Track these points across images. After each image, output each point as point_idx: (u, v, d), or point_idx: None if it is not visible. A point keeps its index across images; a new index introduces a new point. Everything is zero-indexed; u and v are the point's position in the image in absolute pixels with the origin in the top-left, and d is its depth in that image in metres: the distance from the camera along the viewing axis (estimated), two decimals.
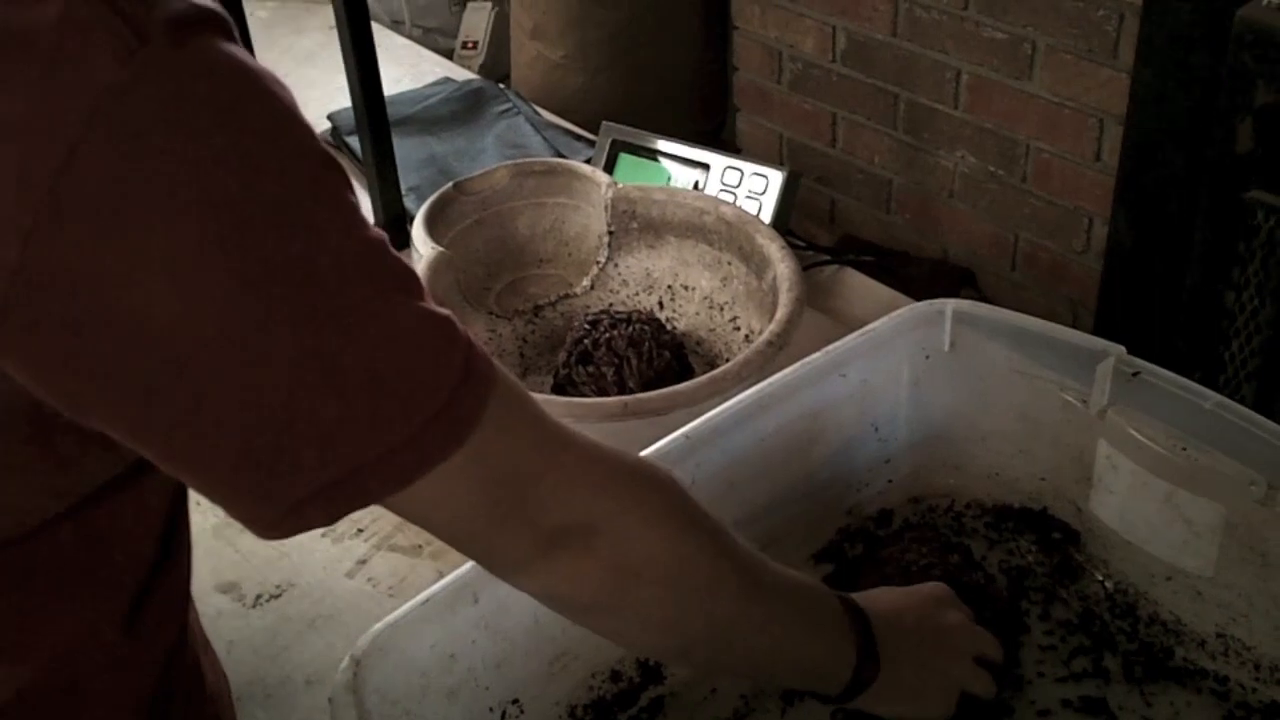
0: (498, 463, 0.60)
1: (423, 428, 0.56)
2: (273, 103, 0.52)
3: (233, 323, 0.50)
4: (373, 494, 0.56)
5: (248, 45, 1.38)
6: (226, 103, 0.50)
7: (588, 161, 1.39)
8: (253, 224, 0.50)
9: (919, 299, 1.02)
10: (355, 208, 0.55)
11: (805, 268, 1.27)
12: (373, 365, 0.54)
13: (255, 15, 1.91)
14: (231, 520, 1.13)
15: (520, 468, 0.61)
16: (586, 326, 1.15)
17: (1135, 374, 0.90)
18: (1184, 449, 0.87)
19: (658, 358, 1.13)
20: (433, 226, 1.19)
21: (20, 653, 0.63)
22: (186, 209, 0.49)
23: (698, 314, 1.24)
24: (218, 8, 0.51)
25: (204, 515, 1.08)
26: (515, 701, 0.84)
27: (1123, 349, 0.92)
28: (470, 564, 0.79)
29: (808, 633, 0.77)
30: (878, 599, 0.83)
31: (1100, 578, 0.96)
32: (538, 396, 1.04)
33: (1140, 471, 0.90)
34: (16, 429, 0.55)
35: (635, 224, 1.24)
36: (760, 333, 1.07)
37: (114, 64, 0.47)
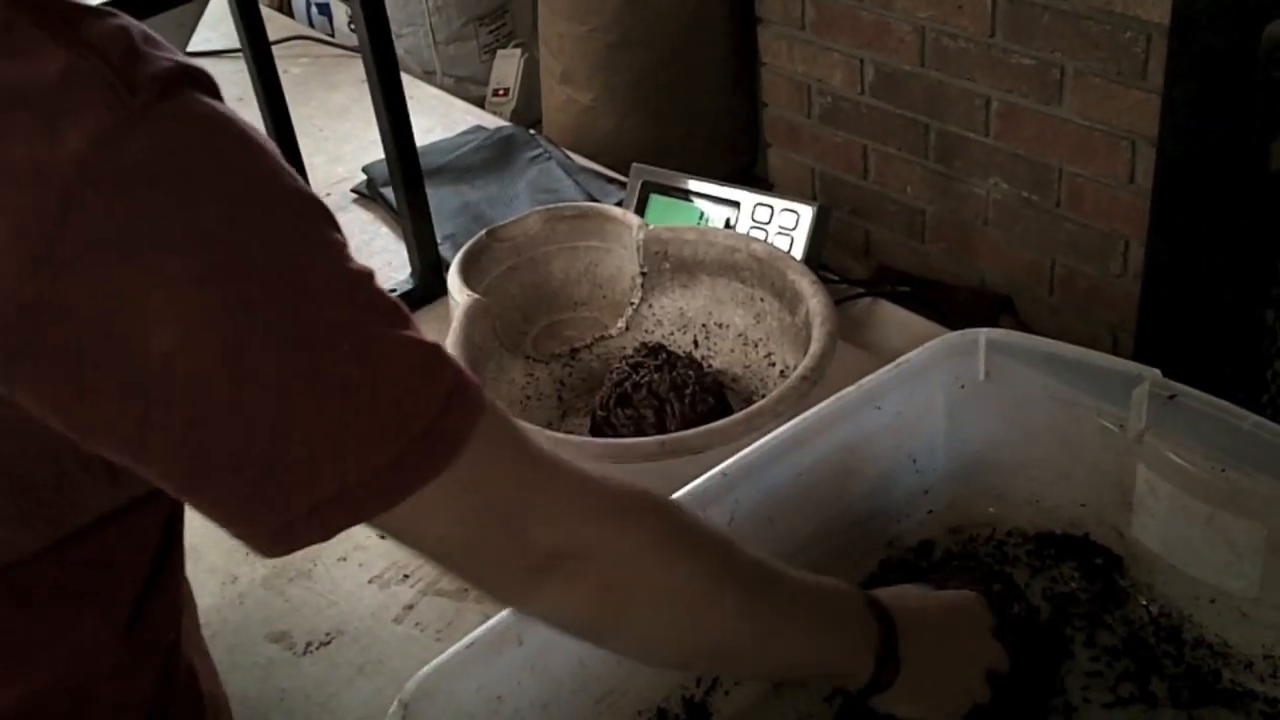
0: (485, 488, 0.61)
1: (409, 447, 0.57)
2: (255, 148, 0.56)
3: (222, 348, 0.53)
4: (363, 511, 0.58)
5: (280, 101, 1.41)
6: (211, 147, 0.54)
7: (619, 204, 1.41)
8: (240, 257, 0.54)
9: (957, 328, 1.02)
10: (341, 244, 0.58)
11: (839, 301, 1.28)
12: (359, 386, 0.56)
13: (289, 72, 1.95)
14: (281, 570, 1.14)
15: (508, 494, 0.63)
16: (626, 370, 1.16)
17: (1171, 397, 0.90)
18: (1223, 470, 0.87)
19: (701, 402, 1.13)
20: (468, 274, 1.21)
21: (23, 662, 0.67)
22: (176, 245, 0.52)
23: (732, 351, 1.24)
24: (201, 68, 0.55)
25: (253, 567, 1.10)
26: None
27: (1158, 372, 0.91)
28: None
29: (820, 641, 0.78)
30: (907, 597, 0.84)
31: (1144, 602, 0.96)
32: (574, 438, 1.06)
33: (1180, 494, 0.90)
34: (32, 462, 0.59)
35: (668, 264, 1.25)
36: (795, 368, 1.08)
37: (107, 114, 0.51)
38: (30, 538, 0.63)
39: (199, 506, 0.58)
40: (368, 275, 0.59)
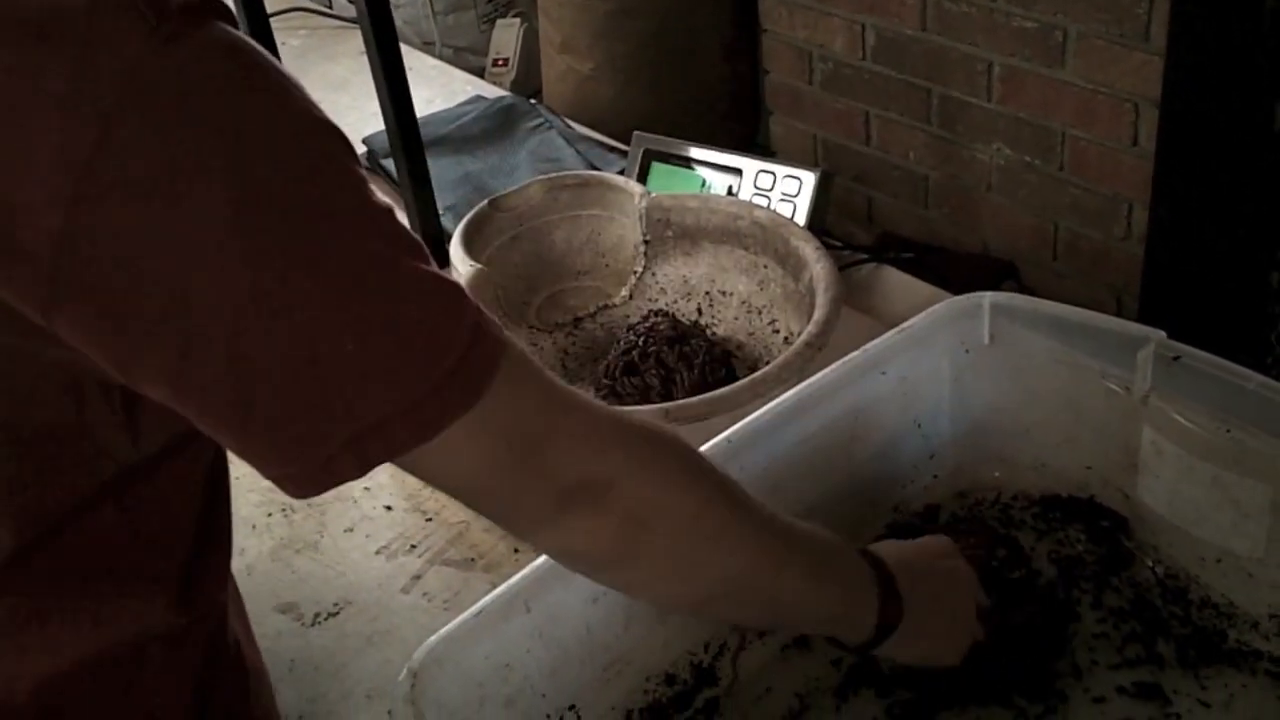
0: (512, 419, 0.62)
1: (443, 379, 0.58)
2: (284, 79, 0.56)
3: (258, 282, 0.53)
4: (400, 444, 0.58)
5: None
6: (242, 78, 0.54)
7: (621, 172, 1.40)
8: (273, 189, 0.54)
9: (960, 294, 1.02)
10: (363, 178, 0.59)
11: (842, 267, 1.28)
12: (393, 318, 0.57)
13: (287, 44, 1.94)
14: (288, 542, 1.14)
15: (533, 425, 0.63)
16: (633, 339, 1.16)
17: (1176, 358, 0.90)
18: (1228, 431, 0.87)
19: (711, 373, 1.13)
20: (470, 244, 1.21)
21: (77, 627, 0.67)
22: (213, 175, 0.52)
23: (736, 319, 1.24)
24: None
25: (260, 539, 1.10)
26: (572, 708, 0.85)
27: (1163, 334, 0.91)
28: (521, 574, 0.81)
29: (826, 579, 0.79)
30: (886, 549, 0.85)
31: (1150, 563, 0.96)
32: None
33: (1186, 456, 0.90)
34: (56, 402, 0.59)
35: (670, 232, 1.25)
36: (799, 334, 1.07)
37: (139, 43, 0.51)
38: (60, 492, 0.63)
39: (237, 446, 0.58)
40: (389, 210, 0.59)
